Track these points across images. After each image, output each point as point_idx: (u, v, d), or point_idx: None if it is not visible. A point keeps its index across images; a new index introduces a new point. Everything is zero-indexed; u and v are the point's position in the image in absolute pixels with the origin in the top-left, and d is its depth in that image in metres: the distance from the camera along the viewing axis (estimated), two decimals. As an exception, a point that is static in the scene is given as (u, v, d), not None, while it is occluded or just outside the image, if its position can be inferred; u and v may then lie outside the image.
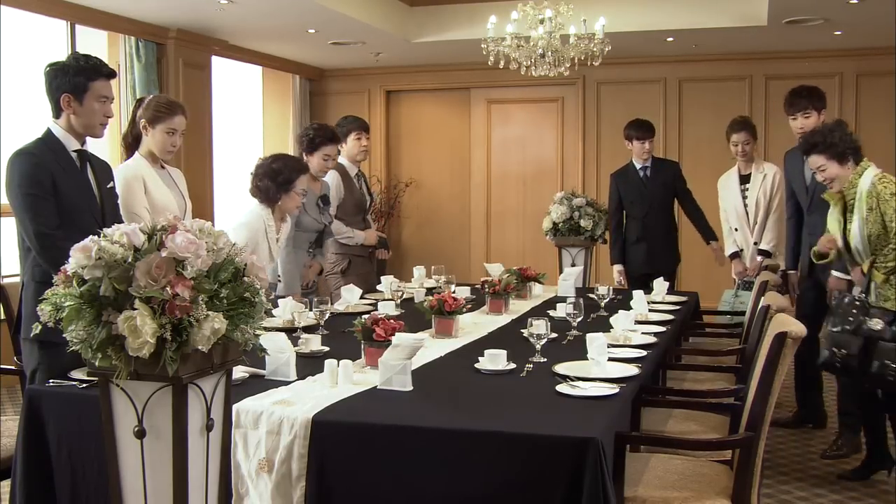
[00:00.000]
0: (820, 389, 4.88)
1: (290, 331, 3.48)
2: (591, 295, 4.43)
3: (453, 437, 2.29)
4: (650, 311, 4.21)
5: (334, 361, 2.77)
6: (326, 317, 3.67)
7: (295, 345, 3.11)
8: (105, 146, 6.28)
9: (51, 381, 2.74)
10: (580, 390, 2.62)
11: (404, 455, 2.30)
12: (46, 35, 6.38)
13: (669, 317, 4.15)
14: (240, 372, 2.72)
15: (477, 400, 2.63)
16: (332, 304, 3.87)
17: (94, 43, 6.57)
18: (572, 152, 8.88)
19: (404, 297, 4.48)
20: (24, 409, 2.67)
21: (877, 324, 3.54)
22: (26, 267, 3.08)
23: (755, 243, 5.32)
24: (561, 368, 2.88)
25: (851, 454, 4.29)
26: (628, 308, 3.92)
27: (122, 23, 6.44)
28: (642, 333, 3.57)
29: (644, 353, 3.22)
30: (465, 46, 7.70)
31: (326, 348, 3.26)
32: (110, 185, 3.29)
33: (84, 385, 2.65)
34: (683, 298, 4.83)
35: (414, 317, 3.77)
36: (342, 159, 5.41)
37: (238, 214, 4.50)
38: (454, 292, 4.19)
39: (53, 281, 1.90)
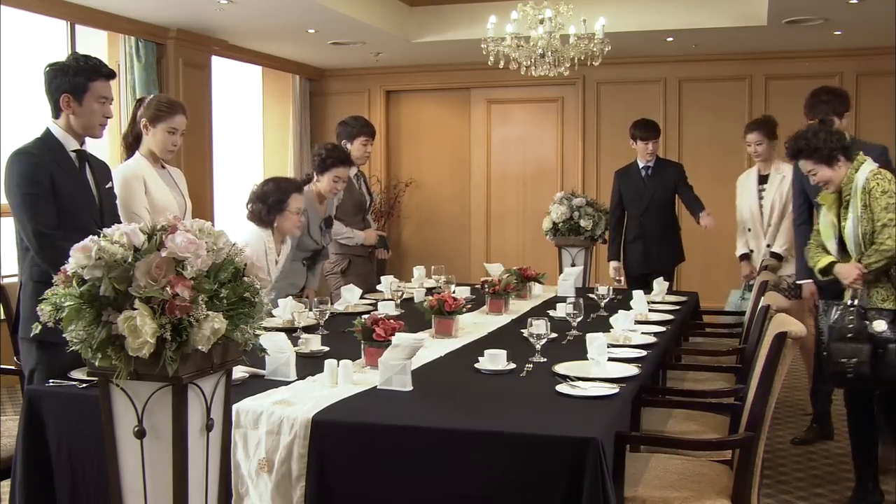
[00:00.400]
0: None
1: (290, 331, 3.48)
2: (590, 295, 4.43)
3: (453, 437, 2.29)
4: (650, 311, 4.21)
5: (334, 361, 2.77)
6: (326, 317, 3.67)
7: (295, 345, 3.12)
8: (105, 146, 6.28)
9: (50, 381, 2.74)
10: (580, 390, 2.62)
11: (404, 455, 2.30)
12: (46, 35, 6.37)
13: (669, 317, 4.15)
14: (240, 372, 2.72)
15: (477, 400, 2.63)
16: (332, 304, 3.87)
17: (94, 43, 6.57)
18: (572, 152, 8.88)
19: (404, 297, 4.49)
20: (24, 409, 2.67)
21: (880, 325, 3.49)
22: (24, 266, 3.08)
23: (768, 245, 5.22)
24: (561, 368, 2.88)
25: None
26: (628, 308, 3.92)
27: (121, 23, 6.44)
28: (642, 333, 3.57)
29: (644, 353, 3.22)
30: (465, 46, 7.70)
31: (326, 348, 3.26)
32: (109, 185, 3.30)
33: (84, 385, 2.65)
34: (683, 298, 4.83)
35: (414, 317, 3.77)
36: None
37: (238, 233, 4.35)
38: (454, 292, 4.19)
39: (53, 281, 1.90)
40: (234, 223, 4.30)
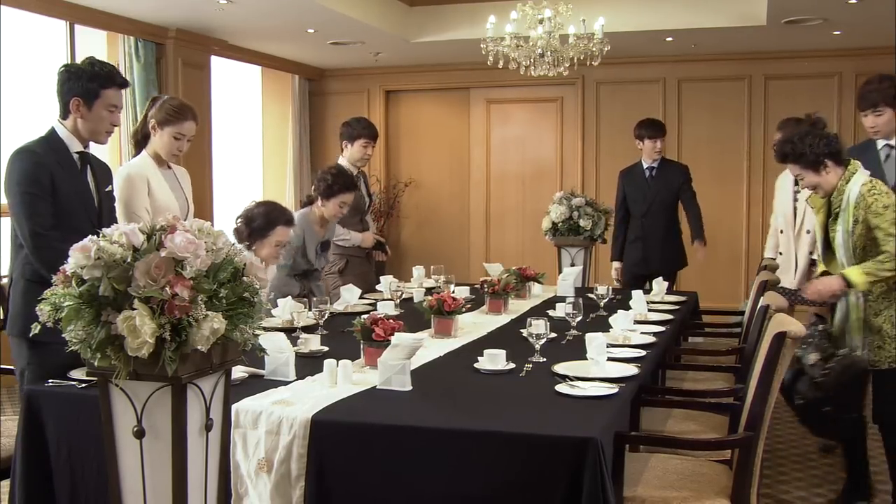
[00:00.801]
0: None
1: (290, 331, 3.49)
2: (590, 295, 4.43)
3: (453, 437, 2.29)
4: (649, 310, 4.22)
5: (333, 361, 2.77)
6: (325, 317, 3.67)
7: (294, 345, 3.12)
8: (105, 147, 6.26)
9: (50, 381, 2.74)
10: (579, 390, 2.62)
11: (404, 455, 2.30)
12: (46, 35, 6.37)
13: (669, 317, 4.15)
14: (239, 372, 2.72)
15: (476, 400, 2.63)
16: (331, 303, 3.87)
17: (94, 43, 6.56)
18: (571, 152, 8.87)
19: (403, 296, 4.49)
20: (24, 409, 2.67)
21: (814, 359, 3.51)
22: (17, 263, 3.07)
23: (809, 253, 4.88)
24: (560, 368, 2.88)
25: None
26: (627, 308, 3.92)
27: (121, 22, 6.43)
28: (641, 333, 3.57)
29: (643, 352, 3.22)
30: (464, 46, 7.69)
31: (326, 348, 3.26)
32: (109, 188, 3.30)
33: (83, 385, 2.65)
34: (683, 298, 4.83)
35: (413, 317, 3.77)
36: (342, 160, 5.40)
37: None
38: (453, 292, 4.20)
39: (52, 281, 1.90)
40: (233, 223, 4.28)
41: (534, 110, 9.09)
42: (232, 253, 1.96)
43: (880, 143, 3.93)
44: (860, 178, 3.52)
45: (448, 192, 9.38)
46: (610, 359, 2.98)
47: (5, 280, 3.27)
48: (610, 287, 4.45)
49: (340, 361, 2.77)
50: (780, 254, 5.14)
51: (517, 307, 4.36)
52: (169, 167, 3.85)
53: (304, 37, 7.49)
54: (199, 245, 1.87)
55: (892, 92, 3.84)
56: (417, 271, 5.21)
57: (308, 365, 2.96)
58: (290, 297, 3.91)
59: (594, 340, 2.97)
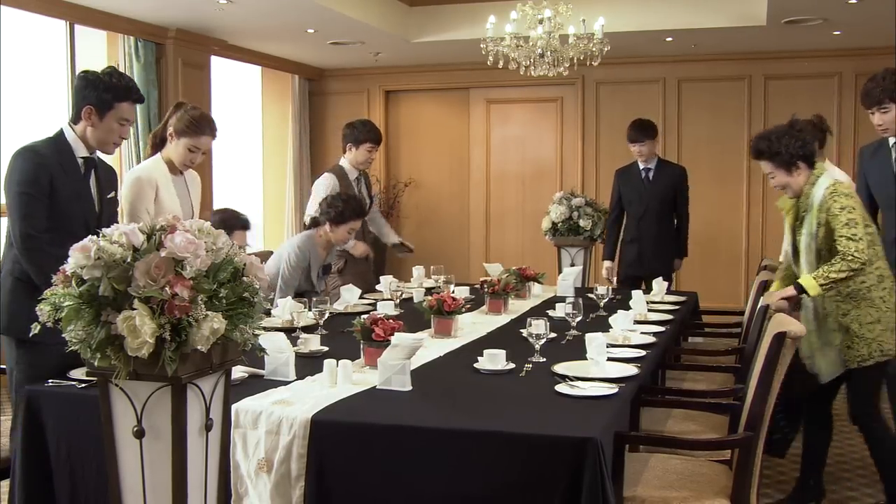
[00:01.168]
0: None
1: (290, 331, 3.49)
2: (590, 295, 4.43)
3: (452, 437, 2.29)
4: (649, 311, 4.22)
5: (333, 361, 2.77)
6: (325, 317, 3.67)
7: (294, 345, 3.12)
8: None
9: (50, 381, 2.74)
10: (579, 390, 2.62)
11: (403, 455, 2.30)
12: (45, 35, 6.37)
13: (669, 317, 4.15)
14: (239, 372, 2.72)
15: (476, 400, 2.63)
16: (331, 303, 3.87)
17: (93, 43, 6.56)
18: (571, 152, 8.87)
19: (403, 296, 4.49)
20: (24, 409, 2.67)
21: None
22: (7, 260, 3.07)
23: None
24: (560, 368, 2.88)
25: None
26: (627, 308, 3.92)
27: (120, 22, 6.43)
28: (641, 333, 3.57)
29: (643, 353, 3.22)
30: (464, 46, 7.69)
31: (325, 348, 3.26)
32: (111, 194, 3.29)
33: (83, 385, 2.65)
34: (683, 298, 4.83)
35: (413, 317, 3.77)
36: (344, 162, 5.40)
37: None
38: (453, 292, 4.20)
39: (52, 281, 1.90)
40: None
41: (534, 110, 9.08)
42: (232, 253, 1.96)
43: (892, 141, 3.91)
44: (825, 181, 3.52)
45: (448, 192, 9.38)
46: (610, 359, 2.98)
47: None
48: (609, 287, 4.45)
49: (340, 361, 2.78)
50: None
51: (517, 307, 4.36)
52: (180, 172, 3.86)
53: (304, 37, 7.49)
54: (199, 245, 1.87)
55: None
56: (417, 271, 5.22)
57: (308, 365, 2.96)
58: (289, 297, 3.91)
59: (594, 340, 2.98)
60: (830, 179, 3.53)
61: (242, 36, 7.50)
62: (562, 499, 2.18)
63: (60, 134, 3.14)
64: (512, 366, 2.93)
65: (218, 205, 7.51)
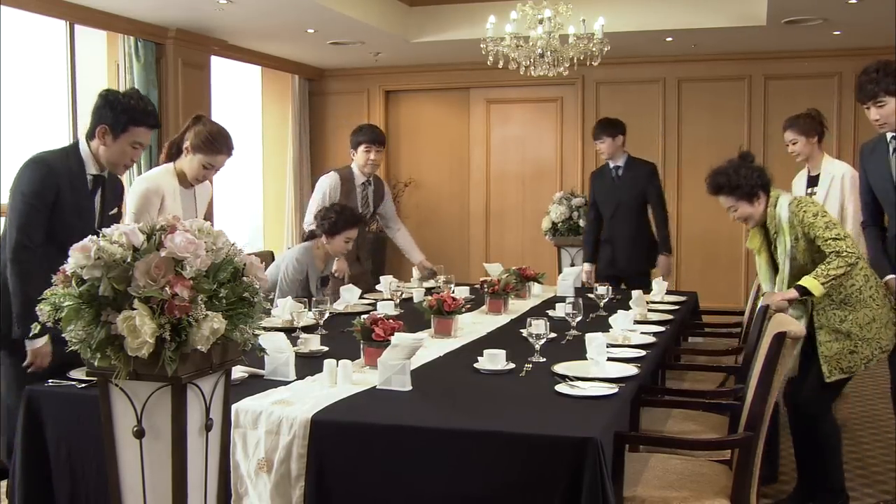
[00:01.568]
0: None
1: (290, 331, 3.49)
2: (590, 295, 4.43)
3: (452, 437, 2.29)
4: (649, 311, 4.22)
5: (333, 361, 2.77)
6: (325, 317, 3.67)
7: (294, 345, 3.12)
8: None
9: (50, 380, 2.74)
10: (579, 390, 2.62)
11: (403, 455, 2.30)
12: (45, 35, 6.37)
13: (669, 317, 4.15)
14: (239, 372, 2.72)
15: (476, 400, 2.63)
16: (331, 304, 3.87)
17: (93, 43, 6.56)
18: (571, 152, 8.87)
19: (403, 296, 4.49)
20: (23, 409, 2.67)
21: None
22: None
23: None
24: (560, 368, 2.88)
25: None
26: (627, 308, 3.92)
27: (120, 22, 6.43)
28: (641, 333, 3.57)
29: (643, 353, 3.22)
30: (464, 46, 7.69)
31: (325, 348, 3.26)
32: (114, 211, 3.29)
33: (83, 385, 2.65)
34: (682, 298, 4.83)
35: (413, 316, 3.77)
36: (353, 166, 5.38)
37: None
38: (453, 292, 4.20)
39: (53, 281, 1.90)
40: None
41: (534, 110, 9.08)
42: (232, 253, 1.96)
43: (889, 136, 3.88)
44: (784, 200, 3.60)
45: (448, 191, 9.38)
46: (610, 359, 2.98)
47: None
48: (609, 287, 4.45)
49: (340, 361, 2.78)
50: None
51: (517, 307, 4.36)
52: (191, 185, 3.83)
53: (304, 37, 7.49)
54: (199, 245, 1.87)
55: (892, 80, 3.68)
56: (417, 271, 5.21)
57: (308, 365, 2.96)
58: (289, 297, 3.91)
59: (594, 340, 2.98)
60: (790, 197, 3.61)
61: (242, 36, 7.50)
62: (562, 499, 2.18)
63: (75, 147, 3.16)
64: (512, 366, 2.93)
65: (217, 205, 7.51)
